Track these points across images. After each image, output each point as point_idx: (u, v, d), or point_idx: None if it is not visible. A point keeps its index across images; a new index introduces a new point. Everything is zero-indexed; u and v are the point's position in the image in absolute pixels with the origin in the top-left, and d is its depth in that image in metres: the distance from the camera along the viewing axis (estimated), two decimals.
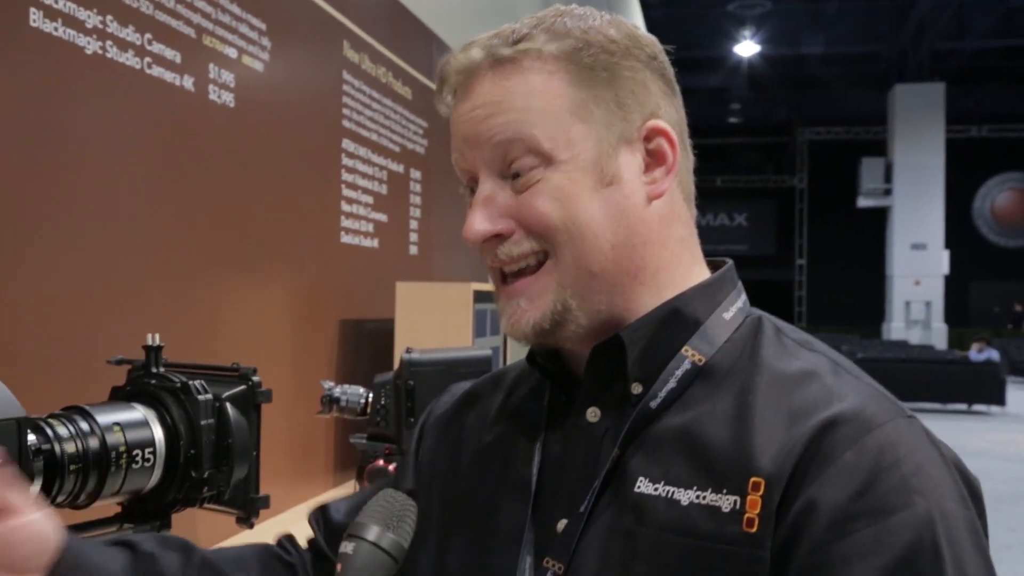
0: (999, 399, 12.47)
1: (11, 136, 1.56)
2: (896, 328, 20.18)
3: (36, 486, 0.88)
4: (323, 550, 1.01)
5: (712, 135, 25.01)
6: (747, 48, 17.84)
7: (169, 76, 1.98)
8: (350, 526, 0.72)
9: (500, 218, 0.82)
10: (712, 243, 27.48)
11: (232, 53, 2.24)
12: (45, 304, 1.65)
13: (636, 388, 0.81)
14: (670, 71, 0.87)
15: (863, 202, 20.53)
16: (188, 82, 2.05)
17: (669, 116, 0.85)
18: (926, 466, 0.72)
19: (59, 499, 0.91)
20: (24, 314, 1.59)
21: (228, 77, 2.22)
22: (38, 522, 0.76)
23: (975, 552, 0.71)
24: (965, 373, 12.18)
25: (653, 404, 0.80)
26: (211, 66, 2.15)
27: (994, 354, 13.73)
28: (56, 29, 1.64)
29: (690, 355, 0.81)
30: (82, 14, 1.70)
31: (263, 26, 2.39)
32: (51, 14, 1.63)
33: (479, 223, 0.82)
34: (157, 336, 1.01)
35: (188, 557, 0.91)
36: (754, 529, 0.71)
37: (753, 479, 0.73)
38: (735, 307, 0.86)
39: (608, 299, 0.82)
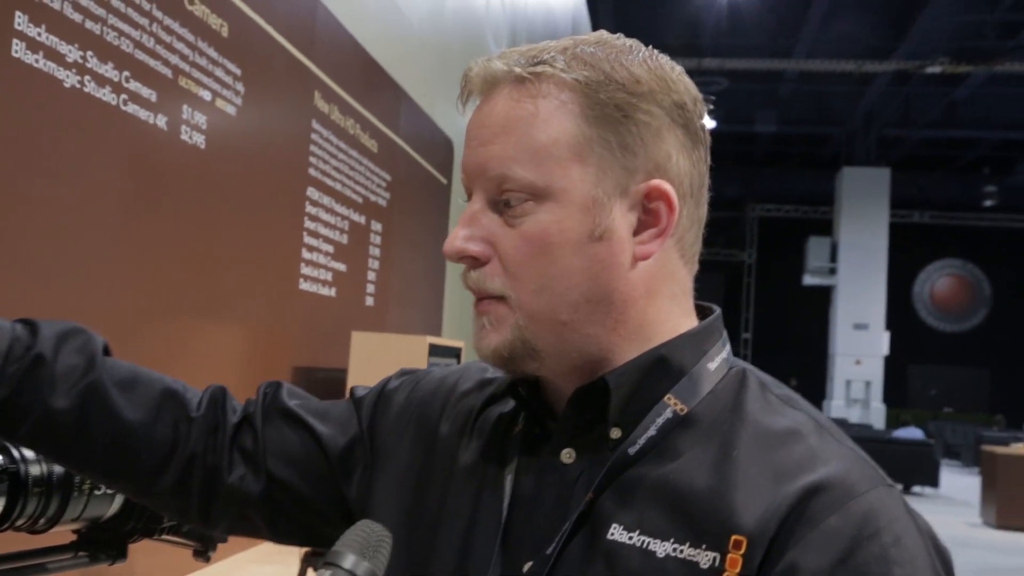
0: (933, 481, 12.68)
1: None
2: (836, 406, 20.47)
3: None
4: (253, 420, 0.98)
5: None
6: None
7: (144, 114, 2.00)
8: (327, 554, 0.73)
9: (480, 240, 0.81)
10: None
11: (206, 96, 2.27)
12: None
13: (615, 433, 0.80)
14: (697, 122, 0.84)
15: (809, 280, 20.97)
16: (161, 121, 2.07)
17: (679, 169, 0.82)
18: (904, 537, 0.73)
19: (19, 522, 0.91)
20: None
21: (201, 119, 2.24)
22: None
23: None
24: (900, 454, 12.37)
25: (631, 451, 0.79)
26: (185, 107, 2.17)
27: (914, 432, 14.00)
28: (37, 61, 1.66)
29: (672, 404, 0.80)
30: (64, 48, 1.72)
31: (238, 71, 2.42)
32: (33, 46, 1.65)
33: (459, 241, 0.81)
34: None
35: (86, 371, 0.89)
36: None
37: (735, 537, 0.72)
38: (720, 357, 0.85)
39: (581, 346, 0.81)
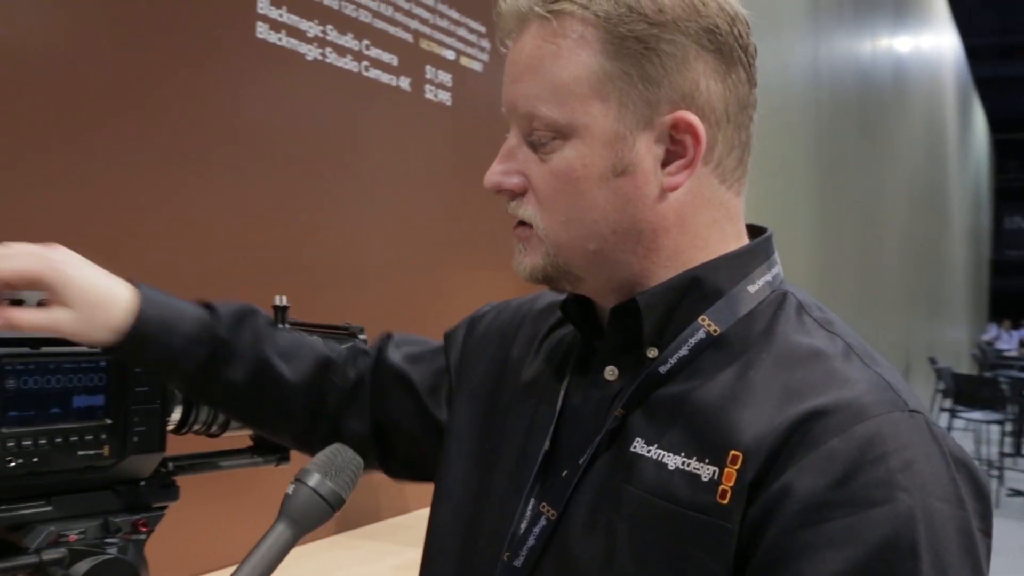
0: None
1: (238, 136, 1.82)
2: None
3: (177, 414, 1.06)
4: (364, 377, 1.09)
5: None
6: None
7: (386, 78, 2.19)
8: (299, 472, 0.81)
9: (516, 174, 0.84)
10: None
11: (450, 55, 2.43)
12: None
13: (652, 352, 0.82)
14: (733, 43, 0.81)
15: None
16: (404, 82, 2.25)
17: (711, 96, 0.80)
18: (918, 463, 0.69)
19: (195, 427, 1.09)
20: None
21: (445, 77, 2.40)
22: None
23: (962, 554, 0.68)
24: None
25: (662, 369, 0.81)
26: (428, 67, 2.34)
27: None
28: (280, 39, 1.89)
29: (706, 324, 0.81)
30: (304, 25, 1.94)
31: (483, 29, 2.55)
32: (276, 26, 1.88)
33: (494, 175, 0.85)
34: (284, 298, 1.17)
35: (256, 345, 1.02)
36: (726, 501, 0.72)
37: (732, 452, 0.73)
38: (763, 280, 0.83)
39: (613, 272, 0.83)
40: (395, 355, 1.10)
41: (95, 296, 0.91)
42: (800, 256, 6.00)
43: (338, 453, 0.83)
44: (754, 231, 0.88)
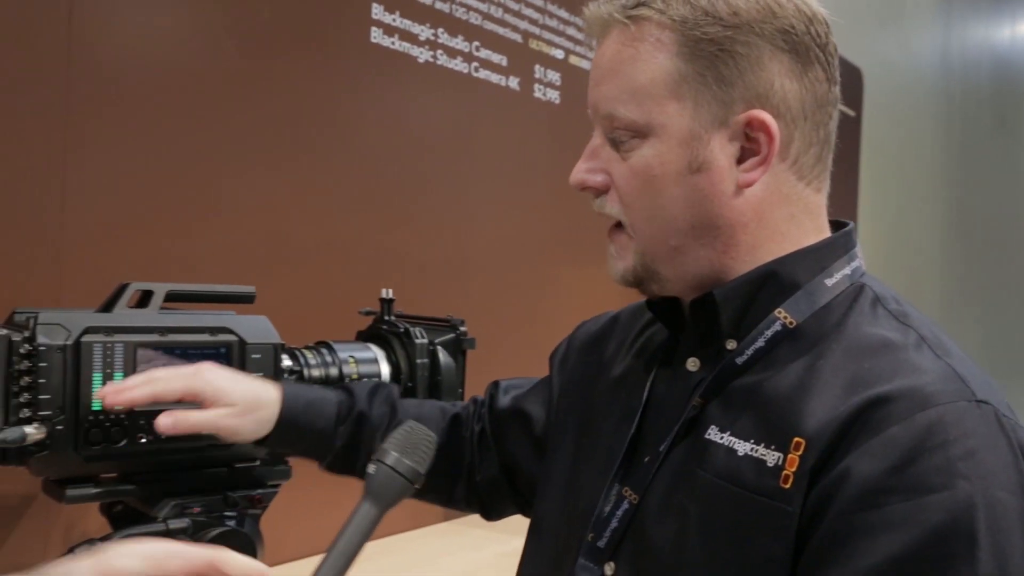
0: None
1: (353, 136, 1.91)
2: None
3: None
4: (486, 427, 1.17)
5: None
6: None
7: (495, 78, 2.25)
8: (376, 451, 0.85)
9: (600, 172, 0.88)
10: None
11: (559, 54, 2.46)
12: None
13: (731, 344, 0.85)
14: (810, 43, 0.83)
15: None
16: (513, 82, 2.30)
17: (786, 95, 0.82)
18: (981, 452, 0.69)
19: None
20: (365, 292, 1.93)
21: (554, 76, 2.44)
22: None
23: None
24: None
25: (739, 360, 0.83)
26: (537, 67, 2.38)
27: None
28: (393, 43, 1.96)
29: (782, 317, 0.82)
30: (416, 28, 2.01)
31: None
32: (389, 31, 1.95)
33: (580, 173, 0.89)
34: (390, 291, 1.23)
35: (392, 416, 1.11)
36: (787, 485, 0.74)
37: (796, 439, 0.75)
38: (841, 273, 0.85)
39: (694, 269, 0.86)
40: (504, 400, 1.17)
41: (245, 400, 1.04)
42: (923, 253, 5.78)
43: (412, 431, 0.87)
44: (838, 227, 0.89)
